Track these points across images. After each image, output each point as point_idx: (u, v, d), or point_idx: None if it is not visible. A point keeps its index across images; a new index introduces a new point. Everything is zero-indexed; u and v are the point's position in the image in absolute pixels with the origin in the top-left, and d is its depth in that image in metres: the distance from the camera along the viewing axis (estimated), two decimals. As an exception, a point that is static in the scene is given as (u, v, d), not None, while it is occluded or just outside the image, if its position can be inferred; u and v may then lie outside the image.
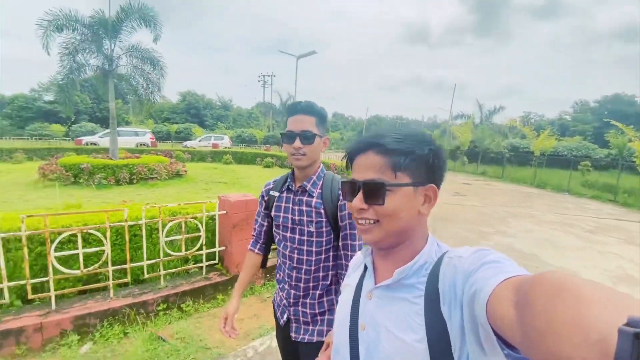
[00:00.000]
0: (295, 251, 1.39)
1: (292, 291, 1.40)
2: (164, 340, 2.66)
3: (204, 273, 3.43)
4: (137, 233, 3.09)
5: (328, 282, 1.38)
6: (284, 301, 1.43)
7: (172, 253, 3.18)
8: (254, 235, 1.61)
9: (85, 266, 2.75)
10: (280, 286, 1.49)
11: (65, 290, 2.75)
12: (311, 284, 1.37)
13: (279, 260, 1.49)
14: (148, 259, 3.06)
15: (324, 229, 1.33)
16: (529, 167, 18.54)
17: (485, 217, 7.99)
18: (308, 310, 1.37)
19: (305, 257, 1.36)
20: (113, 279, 2.88)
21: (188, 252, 3.28)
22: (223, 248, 3.54)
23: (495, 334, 0.48)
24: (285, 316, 1.44)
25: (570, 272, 3.92)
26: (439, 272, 0.63)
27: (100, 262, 2.78)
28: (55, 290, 2.64)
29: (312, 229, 1.33)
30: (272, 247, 1.60)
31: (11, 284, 2.51)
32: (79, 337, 2.59)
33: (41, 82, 34.05)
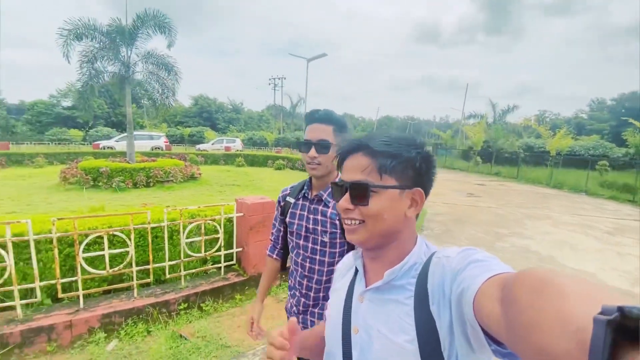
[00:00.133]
0: (308, 260, 1.38)
1: (302, 299, 1.39)
2: (185, 339, 2.75)
3: (222, 273, 3.52)
4: (158, 235, 3.19)
5: None
6: (294, 308, 1.43)
7: (192, 254, 3.27)
8: (271, 240, 1.62)
9: (110, 267, 2.86)
10: (291, 293, 1.48)
11: (92, 290, 2.87)
12: (321, 294, 1.36)
13: (291, 267, 1.49)
14: (169, 260, 3.16)
15: (338, 240, 1.31)
16: (544, 167, 18.19)
17: (501, 218, 7.89)
18: (316, 320, 1.36)
19: (317, 267, 1.35)
20: (136, 279, 2.99)
21: (207, 253, 3.37)
22: (240, 249, 3.62)
23: (483, 330, 0.49)
24: None
25: (589, 274, 3.84)
26: (428, 272, 0.63)
27: (125, 262, 2.90)
28: (82, 289, 2.76)
29: (326, 239, 1.32)
30: None
31: (42, 283, 2.63)
32: (105, 334, 2.70)
33: (59, 88, 35.26)
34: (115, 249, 2.91)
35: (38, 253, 2.70)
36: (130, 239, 2.88)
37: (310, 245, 1.37)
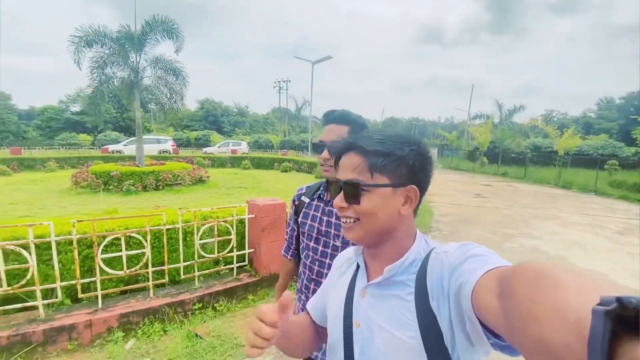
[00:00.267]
0: (316, 263, 1.34)
1: None
2: (201, 338, 2.81)
3: (234, 274, 3.58)
4: (173, 236, 3.27)
5: None
6: (300, 312, 1.40)
7: (205, 255, 3.34)
8: (286, 240, 1.59)
9: (127, 268, 2.94)
10: (298, 296, 1.45)
11: (109, 290, 2.95)
12: None
13: (300, 268, 1.45)
14: (183, 260, 3.23)
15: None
16: (552, 167, 18.05)
17: (509, 219, 7.86)
18: None
19: (325, 271, 1.30)
20: (152, 280, 3.06)
21: (220, 254, 3.44)
22: (252, 250, 3.68)
23: (481, 324, 0.49)
24: None
25: (600, 274, 3.84)
26: (427, 268, 0.64)
27: (141, 263, 2.97)
28: (100, 290, 2.84)
29: (338, 243, 1.28)
30: None
31: (63, 283, 2.72)
32: (123, 333, 2.78)
33: (68, 94, 35.88)
34: (131, 250, 2.99)
35: (58, 254, 2.79)
36: (146, 241, 2.96)
37: (320, 248, 1.33)
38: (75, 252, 2.70)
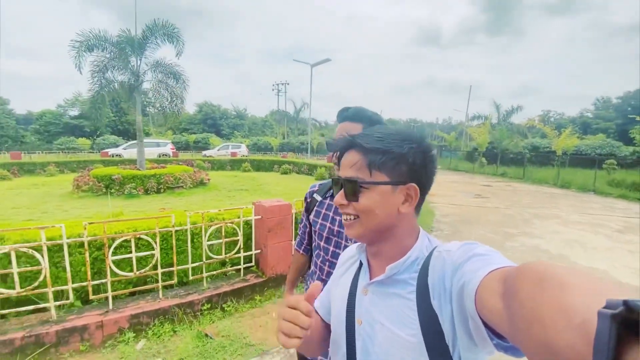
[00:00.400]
0: (327, 263, 1.32)
1: None
2: (211, 338, 2.85)
3: (241, 275, 3.61)
4: (180, 238, 3.30)
5: None
6: None
7: (213, 256, 3.38)
8: (299, 235, 1.59)
9: (136, 269, 2.97)
10: None
11: (119, 292, 2.98)
12: None
13: (312, 267, 1.43)
14: (191, 262, 3.27)
15: None
16: (551, 167, 18.18)
17: (509, 218, 7.92)
18: None
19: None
20: (160, 281, 3.09)
21: (227, 255, 3.48)
22: (259, 251, 3.72)
23: (484, 324, 0.49)
24: None
25: (601, 272, 3.90)
26: (429, 267, 0.63)
27: (151, 265, 3.01)
28: (110, 291, 2.87)
29: (350, 244, 1.24)
30: None
31: (75, 285, 2.75)
32: (134, 334, 2.81)
33: (67, 98, 35.91)
34: (139, 252, 3.02)
35: (69, 256, 2.82)
36: (155, 242, 2.99)
37: (331, 248, 1.31)
38: (87, 254, 2.74)
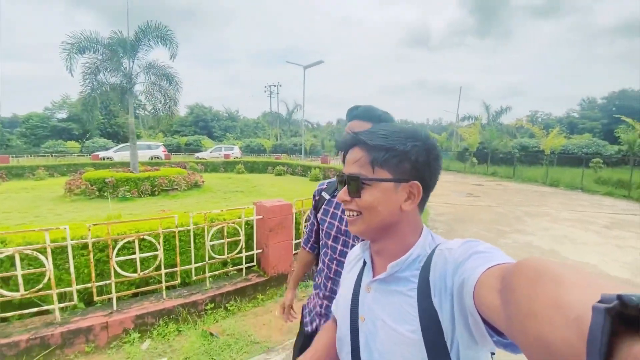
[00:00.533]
0: (334, 262, 1.32)
1: (325, 301, 1.34)
2: (216, 336, 2.88)
3: (243, 275, 3.65)
4: (183, 238, 3.32)
5: None
6: (317, 308, 1.37)
7: (215, 256, 3.41)
8: (306, 232, 1.60)
9: (140, 270, 2.99)
10: (316, 292, 1.42)
11: (122, 293, 2.99)
12: None
13: (319, 265, 1.43)
14: (194, 262, 3.29)
15: None
16: (539, 166, 18.57)
17: (501, 216, 8.10)
18: None
19: (342, 270, 1.31)
20: (164, 282, 3.11)
21: (230, 255, 3.51)
22: (260, 251, 3.76)
23: (484, 321, 0.49)
24: (314, 325, 1.36)
25: (591, 266, 4.04)
26: (431, 264, 0.64)
27: (154, 266, 3.02)
28: (114, 292, 2.88)
29: (357, 243, 1.30)
30: None
31: (79, 286, 2.76)
32: (139, 335, 2.82)
33: (54, 100, 35.24)
34: (142, 253, 3.03)
35: (73, 258, 2.82)
36: (159, 243, 3.01)
37: (339, 247, 1.31)
38: (91, 256, 2.74)
